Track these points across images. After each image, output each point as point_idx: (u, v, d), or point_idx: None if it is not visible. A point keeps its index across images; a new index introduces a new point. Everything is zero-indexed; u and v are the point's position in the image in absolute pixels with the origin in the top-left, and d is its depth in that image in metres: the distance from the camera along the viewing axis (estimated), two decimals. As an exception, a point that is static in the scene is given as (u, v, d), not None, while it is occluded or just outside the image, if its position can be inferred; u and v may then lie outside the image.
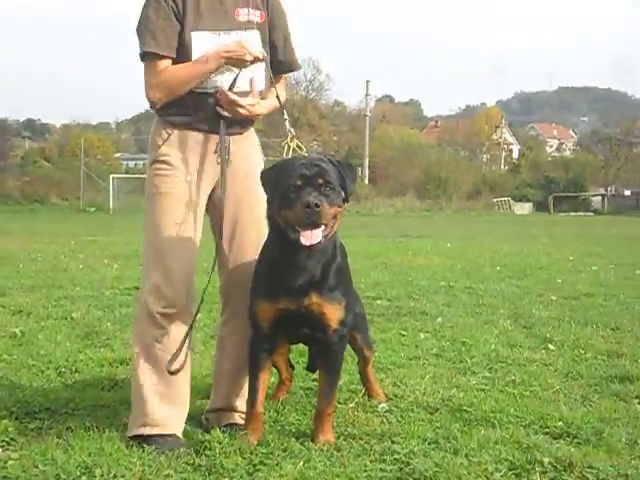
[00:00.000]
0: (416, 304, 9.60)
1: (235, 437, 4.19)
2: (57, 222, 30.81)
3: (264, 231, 4.41)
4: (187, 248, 4.35)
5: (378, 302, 9.79)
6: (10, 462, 3.91)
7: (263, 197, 4.28)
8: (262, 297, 4.17)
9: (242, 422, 4.39)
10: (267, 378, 4.31)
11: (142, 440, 4.18)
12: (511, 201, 53.50)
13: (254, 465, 3.88)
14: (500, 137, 72.70)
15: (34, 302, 9.26)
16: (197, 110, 4.31)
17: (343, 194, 4.10)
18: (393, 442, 4.22)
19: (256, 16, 4.40)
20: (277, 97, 4.48)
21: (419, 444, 4.18)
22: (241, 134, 4.48)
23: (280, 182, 4.00)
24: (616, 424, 4.58)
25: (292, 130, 4.43)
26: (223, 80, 4.28)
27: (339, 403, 4.95)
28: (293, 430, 4.47)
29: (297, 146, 4.42)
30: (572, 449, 4.10)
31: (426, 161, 57.69)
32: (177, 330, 4.30)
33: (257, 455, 3.98)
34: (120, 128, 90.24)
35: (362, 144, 59.70)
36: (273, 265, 4.15)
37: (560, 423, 4.57)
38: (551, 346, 7.03)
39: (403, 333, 7.66)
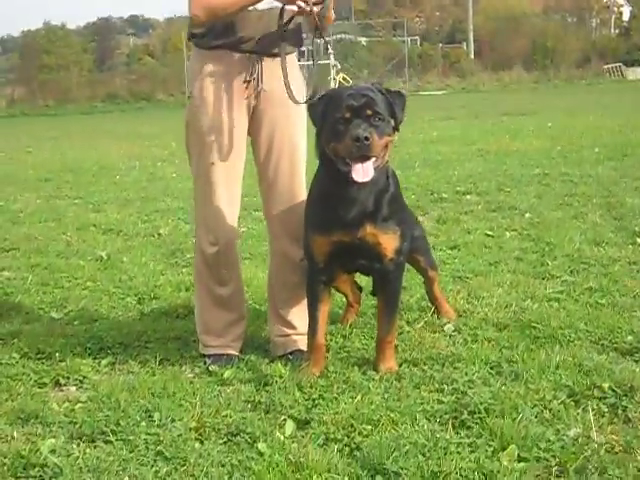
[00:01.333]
0: (506, 198, 9.42)
1: (297, 369, 4.22)
2: (162, 120, 30.95)
3: (299, 159, 4.48)
4: (227, 190, 4.40)
5: (467, 197, 9.68)
6: (78, 405, 4.01)
7: (300, 124, 4.38)
8: (316, 230, 4.15)
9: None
10: (327, 309, 4.30)
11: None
12: (623, 67, 51.58)
13: (313, 399, 3.89)
14: (609, -2, 69.91)
15: (125, 218, 9.41)
16: (241, 29, 4.26)
17: (393, 123, 4.01)
18: (455, 368, 4.17)
19: None
20: (320, 24, 4.33)
21: (480, 369, 4.13)
22: (276, 56, 4.35)
23: (328, 114, 3.94)
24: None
25: (338, 64, 4.34)
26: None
27: (407, 323, 4.94)
28: (358, 357, 4.47)
29: (343, 79, 4.33)
30: (637, 369, 4.00)
31: (532, 30, 55.90)
32: (225, 262, 4.48)
33: (316, 389, 3.98)
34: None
35: (465, 18, 58.20)
36: (325, 197, 4.11)
37: (630, 337, 4.46)
38: (640, 240, 6.84)
39: (488, 233, 7.56)
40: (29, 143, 22.04)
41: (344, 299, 5.15)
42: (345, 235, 4.07)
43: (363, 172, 3.85)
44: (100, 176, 13.82)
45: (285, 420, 3.68)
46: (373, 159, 3.88)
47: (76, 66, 52.14)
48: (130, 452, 3.45)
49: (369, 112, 3.89)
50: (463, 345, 4.54)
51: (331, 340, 4.70)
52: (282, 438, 3.48)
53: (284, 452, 3.33)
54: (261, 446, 3.42)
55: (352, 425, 3.55)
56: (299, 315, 4.55)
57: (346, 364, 4.36)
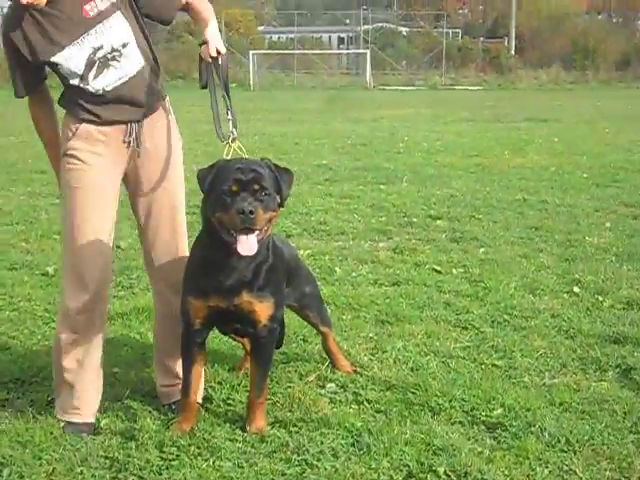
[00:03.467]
0: (473, 227, 9.48)
1: (169, 423, 4.38)
2: (195, 100, 31.01)
3: (180, 217, 4.60)
4: (99, 249, 4.41)
5: (437, 223, 9.75)
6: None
7: (179, 180, 4.54)
8: (194, 294, 4.27)
9: None
10: (200, 368, 4.45)
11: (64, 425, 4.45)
12: (664, 71, 50.97)
13: (168, 460, 4.03)
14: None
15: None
16: (96, 105, 4.31)
17: (278, 199, 4.13)
18: (322, 434, 4.28)
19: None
20: (223, 95, 4.49)
21: (339, 438, 4.24)
22: (151, 115, 4.44)
23: (216, 184, 4.05)
24: (567, 410, 4.59)
25: (235, 131, 4.43)
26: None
27: (300, 376, 5.06)
28: (237, 411, 4.61)
29: (238, 148, 4.42)
30: (485, 450, 4.10)
31: (574, 29, 55.41)
32: (89, 331, 4.49)
33: (176, 448, 4.12)
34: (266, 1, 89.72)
35: (509, 13, 57.74)
36: (205, 263, 4.22)
37: (499, 411, 4.55)
38: (576, 289, 6.90)
39: (436, 268, 7.65)
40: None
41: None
42: (222, 301, 4.20)
43: (248, 245, 3.97)
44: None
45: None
46: (257, 232, 4.00)
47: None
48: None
49: (256, 187, 4.01)
50: (340, 406, 4.65)
51: (218, 391, 4.83)
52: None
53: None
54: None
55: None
56: None
57: (220, 419, 4.50)
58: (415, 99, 35.25)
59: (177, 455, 4.08)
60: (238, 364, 5.24)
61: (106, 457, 4.10)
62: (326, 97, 36.11)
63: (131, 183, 4.54)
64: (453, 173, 13.38)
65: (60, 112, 4.46)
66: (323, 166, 14.24)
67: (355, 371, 5.15)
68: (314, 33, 64.88)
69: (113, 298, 6.49)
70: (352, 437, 4.26)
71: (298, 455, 4.07)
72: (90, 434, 4.39)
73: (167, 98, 4.60)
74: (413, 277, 7.34)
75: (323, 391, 4.88)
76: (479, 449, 4.12)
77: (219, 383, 4.94)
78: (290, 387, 4.88)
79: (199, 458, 4.06)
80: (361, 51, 51.53)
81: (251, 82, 46.30)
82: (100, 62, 4.24)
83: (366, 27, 54.84)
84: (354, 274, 7.51)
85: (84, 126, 4.32)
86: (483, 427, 4.42)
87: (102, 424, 4.45)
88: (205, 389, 4.83)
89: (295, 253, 5.11)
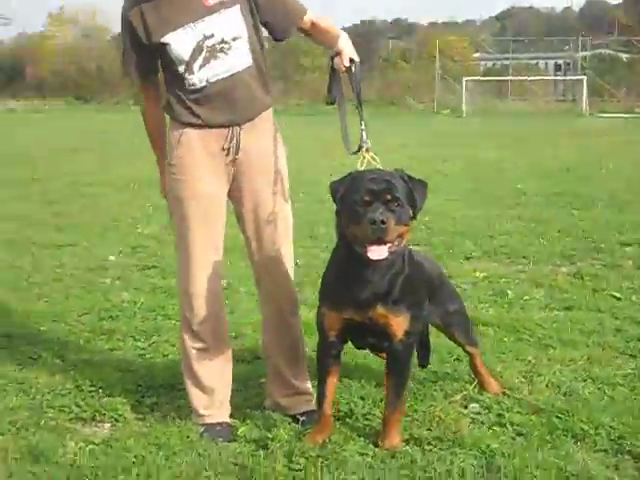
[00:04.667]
0: None
1: (302, 434, 4.39)
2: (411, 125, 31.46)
3: (285, 226, 4.58)
4: (209, 265, 4.50)
5: (626, 249, 9.35)
6: (90, 446, 4.34)
7: (283, 190, 4.49)
8: (328, 306, 4.27)
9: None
10: (335, 381, 4.42)
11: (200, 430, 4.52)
12: None
13: (294, 471, 4.03)
14: None
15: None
16: (197, 104, 4.35)
17: (411, 211, 4.08)
18: (452, 453, 4.18)
19: None
20: (355, 105, 4.48)
21: (470, 459, 4.12)
22: (252, 120, 4.43)
23: (348, 196, 4.04)
24: None
25: (368, 142, 4.41)
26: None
27: (445, 395, 4.96)
28: (377, 427, 4.53)
29: (372, 158, 4.40)
30: (622, 481, 3.89)
31: None
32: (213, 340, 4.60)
33: (303, 460, 4.09)
34: (484, 26, 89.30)
35: None
36: (340, 275, 4.22)
37: None
38: None
39: (615, 295, 7.39)
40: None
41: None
42: (356, 314, 4.18)
43: (378, 251, 3.93)
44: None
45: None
46: (388, 244, 3.95)
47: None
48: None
49: (388, 197, 3.96)
50: (480, 427, 4.52)
51: (359, 405, 4.80)
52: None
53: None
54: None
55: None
56: (303, 375, 4.73)
57: (356, 434, 4.46)
58: (632, 126, 34.12)
59: (304, 466, 4.06)
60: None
61: (235, 464, 4.12)
62: (537, 124, 35.48)
63: (234, 195, 4.55)
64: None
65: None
66: (518, 190, 13.96)
67: (504, 393, 4.98)
68: (530, 60, 63.94)
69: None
70: (485, 458, 4.13)
71: (425, 472, 3.98)
72: (226, 439, 4.44)
73: (271, 109, 4.57)
74: (588, 302, 7.07)
75: (466, 411, 4.76)
76: (617, 478, 3.90)
77: (361, 398, 4.88)
78: (433, 405, 4.77)
79: (324, 470, 4.03)
80: (577, 77, 50.40)
81: (463, 108, 46.12)
82: (208, 51, 4.28)
83: (584, 53, 53.70)
84: (526, 297, 7.31)
85: (186, 133, 4.38)
86: (628, 457, 4.19)
87: (239, 432, 4.49)
88: (347, 403, 4.81)
89: (439, 270, 5.02)
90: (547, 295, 7.39)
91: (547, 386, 5.11)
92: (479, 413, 4.75)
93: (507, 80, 50.56)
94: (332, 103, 4.62)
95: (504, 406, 4.79)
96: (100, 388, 5.11)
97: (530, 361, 5.58)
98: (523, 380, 5.22)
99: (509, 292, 7.44)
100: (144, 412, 4.82)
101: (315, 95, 49.76)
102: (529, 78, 51.38)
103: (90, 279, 7.97)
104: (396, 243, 4.02)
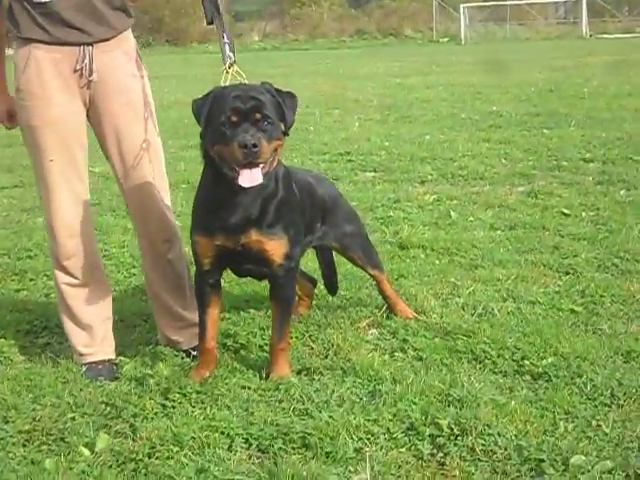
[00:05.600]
0: (626, 169, 8.72)
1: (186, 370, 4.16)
2: (402, 57, 30.88)
3: (154, 155, 4.26)
4: (69, 188, 4.19)
5: (589, 165, 9.06)
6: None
7: (148, 117, 4.17)
8: (199, 232, 4.00)
9: None
10: (215, 312, 4.14)
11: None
12: None
13: (167, 408, 3.79)
14: None
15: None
16: (44, 17, 3.99)
17: (283, 126, 3.79)
18: (338, 382, 3.95)
19: None
20: (217, 11, 4.14)
21: (351, 387, 3.90)
22: (107, 40, 4.10)
23: (213, 115, 3.73)
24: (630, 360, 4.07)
25: (232, 55, 4.08)
26: None
27: (351, 322, 4.69)
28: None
29: (236, 72, 4.07)
30: (511, 402, 3.62)
31: None
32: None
33: (180, 397, 3.85)
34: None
35: None
36: (209, 200, 3.96)
37: (551, 360, 4.05)
38: None
39: (565, 212, 7.16)
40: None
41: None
42: (228, 240, 3.91)
43: (250, 177, 3.65)
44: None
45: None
46: (261, 166, 3.67)
47: (327, 1, 52.81)
48: None
49: (258, 116, 3.67)
50: (380, 354, 4.27)
51: (258, 336, 4.55)
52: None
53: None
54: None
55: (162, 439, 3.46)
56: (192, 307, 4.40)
57: (245, 366, 4.22)
58: (629, 47, 33.40)
59: (179, 402, 3.83)
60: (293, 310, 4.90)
61: (106, 403, 3.87)
62: (534, 48, 34.88)
63: (94, 120, 4.22)
64: (629, 116, 12.40)
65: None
66: (494, 113, 13.58)
67: (415, 317, 4.71)
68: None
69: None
70: (372, 386, 3.88)
71: (303, 404, 3.74)
72: (108, 378, 4.19)
73: (130, 31, 4.24)
74: (535, 221, 6.81)
75: (368, 338, 4.49)
76: (503, 401, 3.63)
77: (262, 329, 4.62)
78: (332, 333, 4.51)
79: (198, 405, 3.79)
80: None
81: (462, 36, 45.36)
82: None
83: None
84: (471, 218, 7.02)
85: (34, 55, 4.02)
86: (528, 377, 3.97)
87: (124, 370, 4.24)
88: (246, 334, 4.58)
89: (332, 190, 4.71)
90: (495, 216, 7.11)
91: (463, 308, 4.87)
92: (380, 339, 4.49)
93: (506, 5, 49.47)
94: (211, 23, 4.27)
95: (410, 330, 4.54)
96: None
97: (453, 282, 5.31)
98: (440, 303, 4.95)
99: (453, 214, 7.15)
100: (33, 354, 4.57)
101: (313, 30, 49.21)
102: (529, 1, 50.29)
103: (21, 219, 7.67)
104: (269, 164, 3.73)
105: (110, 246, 6.45)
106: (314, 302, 5.02)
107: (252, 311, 4.92)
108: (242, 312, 4.95)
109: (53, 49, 4.02)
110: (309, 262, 5.27)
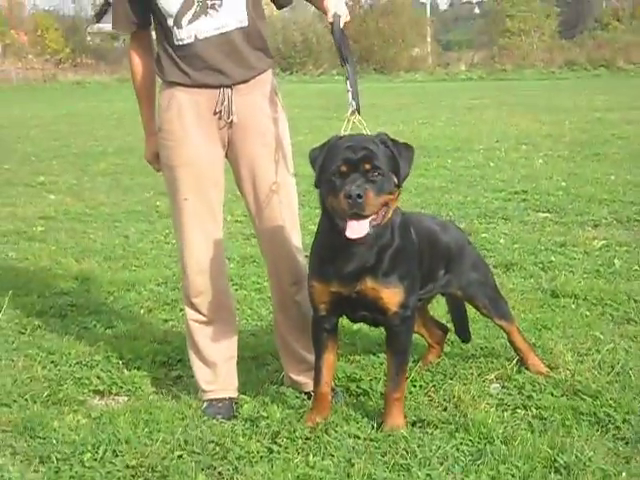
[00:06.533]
0: None
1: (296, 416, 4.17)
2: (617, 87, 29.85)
3: (286, 196, 4.29)
4: (202, 227, 4.28)
5: None
6: (83, 421, 4.21)
7: (284, 157, 4.21)
8: (315, 278, 4.02)
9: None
10: (332, 357, 4.13)
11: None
12: None
13: (273, 453, 3.78)
14: None
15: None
16: (186, 61, 4.12)
17: (396, 179, 3.76)
18: (452, 437, 3.84)
19: None
20: (342, 59, 4.12)
21: (462, 445, 3.77)
22: (246, 82, 4.17)
23: (326, 165, 3.76)
24: None
25: (354, 103, 4.06)
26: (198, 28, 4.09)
27: (479, 375, 4.57)
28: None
29: (358, 121, 4.05)
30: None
31: None
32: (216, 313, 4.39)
33: (288, 442, 3.85)
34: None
35: None
36: (325, 247, 3.97)
37: None
38: None
39: None
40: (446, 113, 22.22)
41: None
42: (343, 287, 3.91)
43: (357, 229, 3.64)
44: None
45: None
46: (369, 218, 3.65)
47: (537, 31, 52.09)
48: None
49: (367, 167, 3.66)
50: (501, 411, 4.13)
51: (379, 383, 4.51)
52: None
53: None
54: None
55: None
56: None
57: (361, 414, 4.17)
58: None
59: (285, 447, 3.82)
60: (423, 358, 4.84)
61: (216, 443, 3.90)
62: None
63: (232, 160, 4.30)
64: None
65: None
66: None
67: (547, 373, 4.54)
68: None
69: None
70: (482, 444, 3.76)
71: (405, 459, 3.66)
72: (226, 417, 4.23)
73: (270, 72, 4.31)
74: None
75: (492, 391, 4.37)
76: (613, 471, 3.46)
77: (386, 375, 4.54)
78: (455, 384, 4.40)
79: (303, 452, 3.77)
80: None
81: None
82: (199, 5, 4.05)
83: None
84: (636, 267, 6.69)
85: (176, 96, 4.16)
86: None
87: (243, 409, 4.27)
88: (370, 380, 4.57)
89: (459, 237, 4.61)
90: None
91: (599, 365, 4.62)
92: (505, 394, 4.35)
93: None
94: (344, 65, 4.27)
95: (537, 386, 4.38)
96: (129, 360, 5.01)
97: (597, 337, 5.07)
98: (574, 358, 4.73)
99: (616, 262, 6.82)
100: (163, 386, 4.69)
101: (521, 60, 48.52)
102: None
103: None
104: (381, 215, 3.71)
105: (263, 279, 6.47)
106: (446, 350, 4.91)
107: (382, 355, 4.82)
108: (372, 356, 4.92)
109: (194, 91, 4.15)
110: (443, 309, 5.16)
